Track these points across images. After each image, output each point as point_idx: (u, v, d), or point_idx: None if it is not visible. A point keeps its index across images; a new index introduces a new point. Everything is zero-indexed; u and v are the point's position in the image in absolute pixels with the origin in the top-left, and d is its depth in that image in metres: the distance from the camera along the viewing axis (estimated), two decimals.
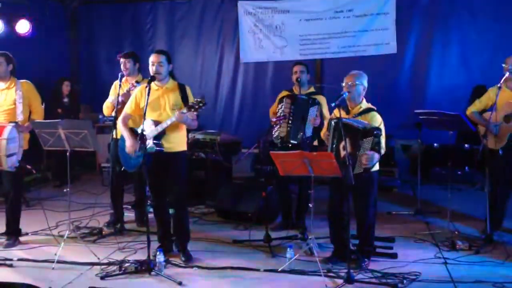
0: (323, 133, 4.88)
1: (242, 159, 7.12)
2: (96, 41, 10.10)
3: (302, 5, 8.71)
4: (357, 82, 4.55)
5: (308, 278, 4.37)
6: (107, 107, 5.79)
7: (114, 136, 5.59)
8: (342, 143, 4.31)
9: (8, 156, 4.91)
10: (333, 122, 4.50)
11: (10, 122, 5.06)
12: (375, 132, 4.30)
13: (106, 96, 6.02)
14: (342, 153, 4.32)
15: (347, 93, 4.56)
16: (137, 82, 5.61)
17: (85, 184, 8.14)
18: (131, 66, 5.71)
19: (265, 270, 4.53)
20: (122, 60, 5.72)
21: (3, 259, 4.80)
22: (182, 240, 4.94)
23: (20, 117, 5.14)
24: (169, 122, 4.59)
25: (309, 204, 4.74)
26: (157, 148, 4.63)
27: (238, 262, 4.73)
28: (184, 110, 4.50)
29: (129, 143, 4.76)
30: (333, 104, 4.58)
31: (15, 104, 5.18)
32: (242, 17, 9.07)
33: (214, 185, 6.82)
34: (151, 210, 4.99)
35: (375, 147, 4.30)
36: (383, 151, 4.42)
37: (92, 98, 9.66)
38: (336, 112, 4.56)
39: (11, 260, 4.78)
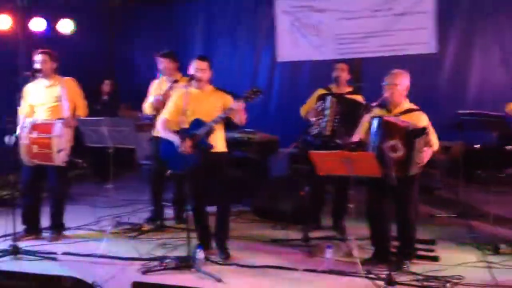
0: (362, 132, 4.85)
1: (280, 158, 7.11)
2: (134, 40, 10.27)
3: (339, 3, 8.64)
4: (398, 82, 4.50)
5: (348, 279, 4.34)
6: (147, 106, 5.86)
7: (154, 134, 5.69)
8: (387, 143, 4.26)
9: (58, 151, 5.06)
10: (374, 121, 4.45)
11: (58, 119, 5.19)
12: (425, 130, 4.27)
13: (143, 94, 6.10)
14: (391, 154, 4.26)
15: (387, 93, 4.51)
16: (176, 81, 5.68)
17: (124, 180, 8.28)
18: (169, 65, 5.78)
19: (304, 270, 4.51)
20: (160, 59, 5.79)
21: (47, 252, 4.93)
22: (222, 238, 4.98)
23: (66, 114, 5.27)
24: (222, 116, 4.65)
25: (349, 205, 4.70)
26: (209, 146, 4.69)
27: (276, 261, 4.73)
28: (241, 100, 4.55)
29: (179, 143, 4.74)
30: (374, 104, 4.55)
31: (58, 101, 5.31)
32: (278, 16, 9.06)
33: (250, 184, 6.84)
34: (190, 207, 5.04)
35: (427, 144, 4.26)
36: (436, 147, 4.39)
37: (130, 96, 9.80)
38: (377, 111, 4.53)
39: (55, 254, 4.90)
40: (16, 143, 5.11)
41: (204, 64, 4.79)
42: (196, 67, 4.76)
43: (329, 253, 4.57)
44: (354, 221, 4.77)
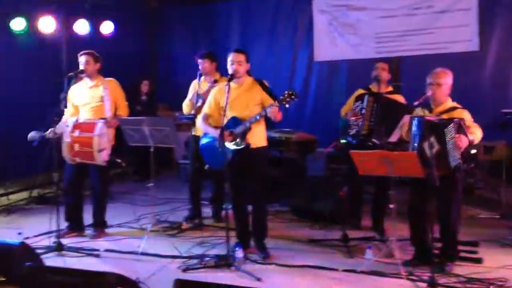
0: (404, 131, 4.78)
1: (319, 158, 7.08)
2: (173, 40, 10.39)
3: (378, 2, 8.56)
4: (442, 81, 4.41)
5: (388, 280, 4.28)
6: (186, 105, 5.93)
7: (193, 133, 5.75)
8: (427, 142, 4.20)
9: (100, 151, 5.16)
10: (415, 121, 4.38)
11: (100, 118, 5.30)
12: (455, 120, 4.19)
13: (182, 94, 6.17)
14: (428, 152, 4.20)
15: (430, 92, 4.44)
16: (215, 81, 5.72)
17: (163, 179, 8.38)
18: (208, 65, 5.82)
19: (344, 270, 4.48)
20: (199, 60, 5.84)
21: (90, 249, 5.04)
22: (260, 236, 4.98)
23: (108, 114, 5.37)
24: (258, 117, 4.64)
25: (389, 205, 4.63)
26: (245, 144, 4.69)
27: (315, 261, 4.70)
28: (276, 104, 4.54)
29: (219, 136, 4.78)
30: (415, 103, 4.49)
31: (101, 101, 5.41)
32: (316, 15, 9.04)
33: (288, 184, 6.83)
34: (229, 206, 5.06)
35: (461, 133, 4.17)
36: (477, 139, 4.30)
37: (169, 96, 9.94)
38: (419, 110, 4.46)
39: (98, 250, 5.02)
40: (43, 142, 5.21)
41: (240, 56, 4.78)
42: (232, 59, 4.76)
43: (369, 254, 4.53)
44: (395, 221, 4.69)
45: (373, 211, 5.64)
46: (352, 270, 4.47)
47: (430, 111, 4.50)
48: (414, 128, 4.39)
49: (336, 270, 4.51)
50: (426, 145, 4.22)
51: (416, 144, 4.34)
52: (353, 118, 5.50)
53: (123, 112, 5.54)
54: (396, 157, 4.18)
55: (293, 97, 4.50)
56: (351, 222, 5.61)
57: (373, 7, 8.58)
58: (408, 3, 8.36)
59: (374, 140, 5.32)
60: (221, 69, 6.01)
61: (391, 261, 4.59)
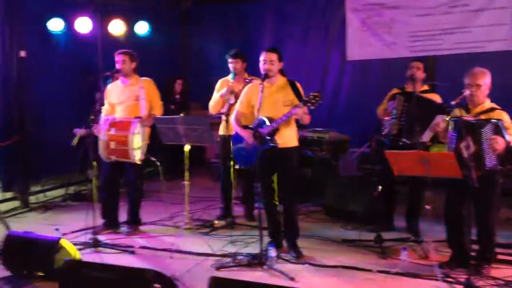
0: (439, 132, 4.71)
1: (352, 158, 7.03)
2: (206, 40, 10.42)
3: (413, 0, 8.44)
4: (481, 82, 4.32)
5: (424, 282, 4.24)
6: (216, 103, 5.92)
7: (224, 133, 5.76)
8: (464, 143, 4.13)
9: (135, 149, 5.23)
10: (453, 121, 4.31)
11: (135, 117, 5.37)
12: (492, 121, 4.11)
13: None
14: (465, 153, 4.13)
15: (468, 92, 4.35)
16: (246, 80, 5.74)
17: (195, 178, 8.42)
18: (240, 65, 5.84)
19: (378, 271, 4.45)
20: (231, 59, 5.86)
21: (126, 246, 5.12)
22: (292, 236, 4.98)
23: (143, 113, 5.44)
24: (284, 118, 4.64)
25: (426, 206, 4.57)
26: (273, 144, 4.69)
27: (348, 262, 4.69)
28: (301, 105, 4.53)
29: (246, 138, 4.85)
30: (452, 103, 4.41)
31: (137, 100, 5.49)
32: (349, 14, 8.95)
33: (320, 183, 6.81)
34: (260, 205, 5.06)
35: (498, 134, 4.09)
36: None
37: (201, 95, 9.98)
38: (456, 111, 4.39)
39: (132, 247, 5.09)
40: (80, 142, 5.31)
41: (273, 55, 4.78)
42: (264, 58, 4.77)
43: (404, 255, 4.48)
44: (430, 222, 4.63)
45: (407, 212, 5.58)
46: (386, 271, 4.43)
47: (468, 111, 4.42)
48: (451, 129, 4.32)
49: (370, 271, 4.48)
50: (463, 146, 4.16)
51: (453, 145, 4.27)
52: (386, 118, 5.46)
53: (158, 111, 5.60)
54: (433, 157, 4.11)
55: (317, 99, 4.47)
56: (384, 223, 5.56)
57: (407, 5, 8.45)
58: (444, 1, 8.20)
59: (404, 140, 5.27)
60: (254, 69, 6.02)
61: (427, 263, 4.56)
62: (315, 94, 4.48)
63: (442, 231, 4.64)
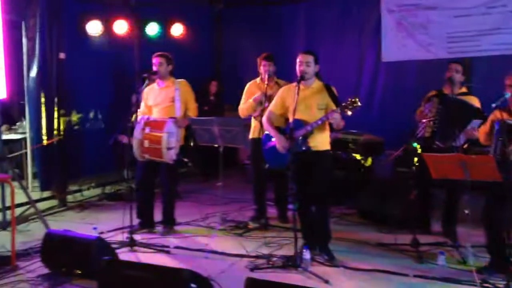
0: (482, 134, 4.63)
1: (387, 160, 6.94)
2: (239, 42, 10.48)
3: (450, 1, 8.28)
4: None
5: (462, 287, 4.16)
6: (245, 107, 5.93)
7: (256, 136, 5.76)
8: (509, 147, 4.04)
9: (168, 149, 5.28)
10: (496, 125, 4.22)
11: (170, 117, 5.43)
12: None
13: None
14: (510, 157, 4.04)
15: (509, 94, 4.26)
16: (276, 83, 5.75)
17: (228, 179, 8.46)
18: (273, 68, 5.84)
19: (415, 276, 4.38)
20: (264, 62, 5.86)
21: (161, 246, 5.18)
22: (323, 238, 4.96)
23: (178, 114, 5.49)
24: (319, 122, 4.62)
25: (465, 210, 4.49)
26: (305, 147, 4.68)
27: (384, 266, 4.63)
28: (338, 110, 4.51)
29: (278, 141, 4.85)
30: (493, 105, 4.32)
31: (173, 101, 5.55)
32: (384, 15, 8.87)
33: (354, 186, 6.76)
34: (292, 207, 5.05)
35: None
36: None
37: (234, 97, 10.02)
38: (497, 113, 4.30)
39: (168, 247, 5.14)
40: (117, 143, 5.38)
41: (309, 57, 4.77)
42: (301, 60, 4.76)
43: (441, 260, 4.41)
44: (469, 227, 4.55)
45: (444, 215, 5.49)
46: (423, 276, 4.37)
47: (510, 114, 4.32)
48: (495, 132, 4.24)
49: (407, 275, 4.41)
50: (509, 150, 4.07)
51: (496, 148, 4.19)
52: (424, 120, 5.39)
53: (193, 113, 5.65)
54: (473, 160, 4.04)
55: (355, 104, 4.44)
56: (420, 227, 5.48)
57: (445, 6, 8.32)
58: (482, 2, 8.04)
59: (437, 142, 5.19)
60: (286, 72, 6.02)
61: (465, 268, 4.47)
62: (353, 99, 4.44)
63: (481, 236, 4.55)
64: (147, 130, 5.38)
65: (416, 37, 8.60)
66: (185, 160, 7.16)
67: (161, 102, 5.58)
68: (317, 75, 4.89)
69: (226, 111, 9.43)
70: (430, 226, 5.62)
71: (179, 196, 7.25)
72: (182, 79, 5.69)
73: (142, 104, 5.68)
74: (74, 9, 7.03)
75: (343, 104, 4.50)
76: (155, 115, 5.58)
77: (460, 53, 8.14)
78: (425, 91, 5.75)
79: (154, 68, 5.52)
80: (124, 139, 5.44)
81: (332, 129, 5.01)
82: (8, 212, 5.69)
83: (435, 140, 5.23)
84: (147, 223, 5.72)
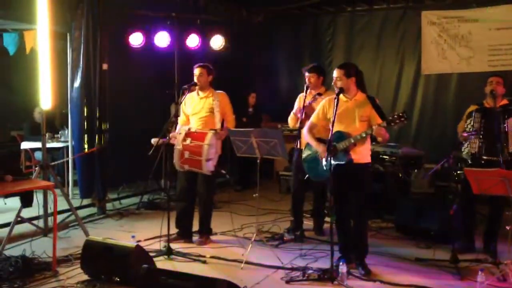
0: None
1: (428, 174, 6.83)
2: (277, 53, 10.56)
3: (493, 13, 8.18)
4: None
5: None
6: (291, 119, 5.95)
7: (298, 146, 5.77)
8: None
9: (207, 160, 5.34)
10: None
11: (210, 129, 5.50)
12: None
13: (284, 106, 6.22)
14: None
15: None
16: (319, 94, 5.74)
17: (263, 190, 8.50)
18: (315, 79, 5.83)
19: None
20: (306, 74, 5.87)
21: (197, 255, 5.22)
22: (361, 252, 4.91)
23: (218, 125, 5.55)
24: (364, 135, 4.59)
25: (507, 227, 4.38)
26: (347, 159, 4.65)
27: (421, 281, 4.55)
28: (384, 124, 4.47)
29: (320, 150, 4.84)
30: None
31: (210, 112, 5.60)
32: (425, 27, 8.82)
33: (392, 200, 6.68)
34: (332, 219, 5.01)
35: None
36: None
37: (272, 108, 10.09)
38: None
39: (204, 257, 5.18)
40: (155, 152, 5.45)
41: (338, 72, 4.75)
42: (334, 75, 4.79)
43: (481, 277, 4.30)
44: (510, 244, 4.43)
45: (486, 232, 5.36)
46: None
47: None
48: None
49: None
50: None
51: None
52: (464, 135, 5.31)
53: (230, 125, 5.69)
54: None
55: (403, 119, 4.38)
56: (463, 243, 5.38)
57: (486, 18, 8.21)
58: None
59: (485, 157, 5.09)
60: (324, 83, 6.02)
61: (505, 286, 4.36)
62: (401, 114, 4.39)
63: None
64: (187, 141, 5.45)
65: (457, 50, 8.50)
66: (223, 171, 7.24)
67: (200, 112, 5.64)
68: (362, 86, 4.85)
69: (264, 122, 9.48)
70: (474, 242, 5.48)
71: (216, 206, 7.31)
72: (221, 91, 5.75)
73: (182, 113, 5.75)
74: (117, 21, 7.20)
75: (390, 118, 4.44)
76: (194, 124, 5.65)
77: (501, 66, 8.01)
78: (465, 104, 5.66)
79: (195, 78, 5.60)
80: (154, 140, 5.52)
81: (374, 141, 4.98)
82: (50, 219, 5.86)
83: (483, 154, 5.15)
84: (185, 234, 5.78)
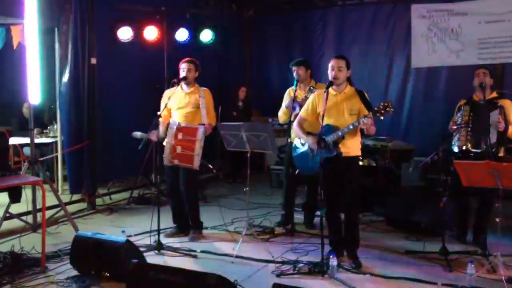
0: None
1: (419, 167, 6.84)
2: (267, 48, 10.54)
3: (482, 6, 8.19)
4: None
5: None
6: (283, 113, 5.93)
7: (289, 140, 5.77)
8: None
9: (197, 155, 5.33)
10: None
11: (199, 124, 5.47)
12: None
13: (275, 101, 6.19)
14: None
15: None
16: (312, 87, 5.73)
17: (254, 184, 8.48)
18: (302, 73, 5.82)
19: (443, 284, 4.31)
20: (294, 67, 5.86)
21: (188, 250, 5.21)
22: (352, 245, 4.93)
23: (204, 120, 5.52)
24: (351, 127, 4.60)
25: (496, 219, 4.40)
26: (336, 152, 4.65)
27: (412, 274, 4.56)
28: (370, 115, 4.47)
29: (310, 142, 4.82)
30: None
31: (196, 108, 5.57)
32: (415, 20, 8.81)
33: (382, 193, 6.70)
34: (319, 213, 5.02)
35: None
36: None
37: (262, 102, 10.09)
38: None
39: (194, 251, 5.17)
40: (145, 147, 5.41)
41: (341, 62, 4.75)
42: (332, 65, 4.75)
43: (471, 269, 4.32)
44: (500, 236, 4.46)
45: (475, 224, 5.40)
46: (452, 285, 4.29)
47: None
48: None
49: (435, 283, 4.34)
50: None
51: None
52: (454, 127, 5.35)
53: (213, 121, 5.67)
54: (504, 168, 3.97)
55: (388, 109, 4.38)
56: (456, 235, 5.44)
57: (476, 11, 8.22)
58: None
59: (474, 150, 5.12)
60: (314, 77, 6.02)
61: (495, 277, 4.38)
62: (386, 104, 4.40)
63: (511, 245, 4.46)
64: (180, 136, 5.42)
65: (447, 43, 8.52)
66: (210, 166, 7.21)
67: (185, 107, 5.60)
68: (349, 80, 4.87)
69: (254, 116, 9.48)
70: (466, 235, 5.51)
71: (205, 200, 7.30)
72: (205, 88, 5.72)
73: (162, 106, 5.65)
74: (105, 16, 7.14)
75: (376, 108, 4.45)
76: (178, 119, 5.58)
77: (491, 59, 8.04)
78: (455, 97, 5.68)
79: (182, 73, 5.56)
80: (153, 136, 5.48)
81: (362, 135, 4.99)
82: (39, 215, 5.82)
83: (472, 148, 5.17)
84: (183, 227, 5.78)
